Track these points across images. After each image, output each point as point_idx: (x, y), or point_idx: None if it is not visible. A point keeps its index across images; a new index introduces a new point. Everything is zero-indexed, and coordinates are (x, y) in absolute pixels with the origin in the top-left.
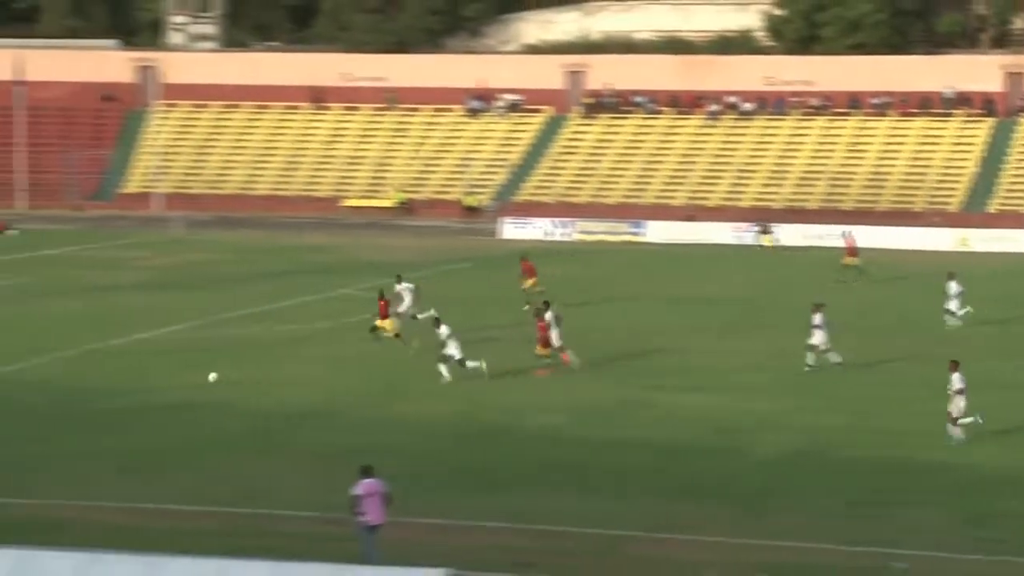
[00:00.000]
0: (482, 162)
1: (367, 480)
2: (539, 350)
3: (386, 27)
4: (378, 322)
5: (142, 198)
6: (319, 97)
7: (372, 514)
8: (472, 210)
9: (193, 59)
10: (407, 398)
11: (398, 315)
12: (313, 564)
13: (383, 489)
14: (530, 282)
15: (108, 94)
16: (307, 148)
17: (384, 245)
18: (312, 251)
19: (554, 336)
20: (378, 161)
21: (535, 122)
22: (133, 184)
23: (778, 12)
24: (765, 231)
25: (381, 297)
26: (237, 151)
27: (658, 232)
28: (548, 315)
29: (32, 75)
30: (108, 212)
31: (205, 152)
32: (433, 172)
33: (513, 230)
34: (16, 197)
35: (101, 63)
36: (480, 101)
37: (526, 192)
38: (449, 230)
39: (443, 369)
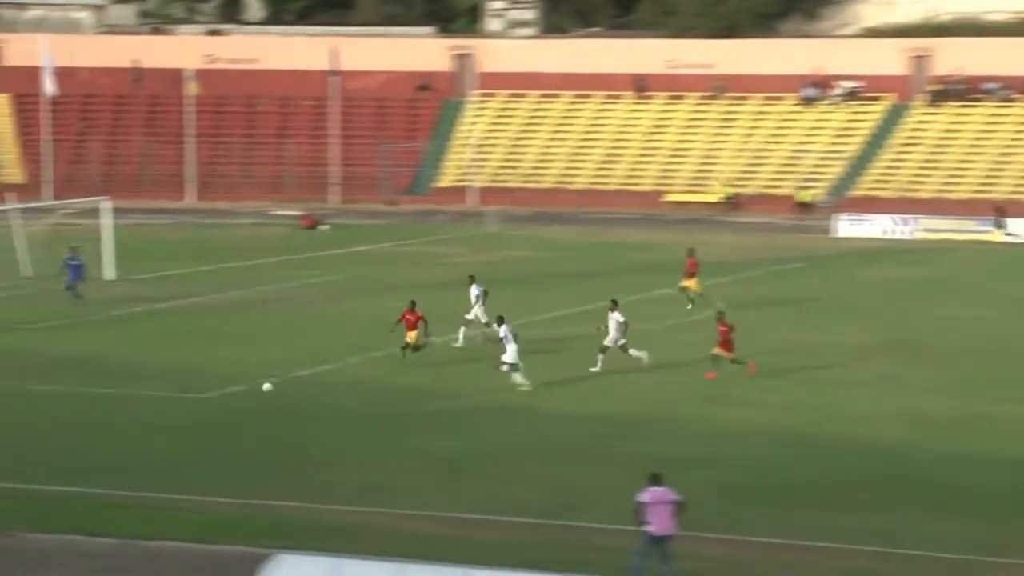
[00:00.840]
0: (816, 154)
1: (655, 488)
2: (717, 350)
3: (714, 10)
4: (408, 337)
5: (457, 192)
6: (642, 86)
7: (657, 524)
8: (805, 206)
9: (511, 47)
10: (728, 404)
11: (466, 321)
12: None
13: (672, 498)
14: (690, 282)
15: (424, 83)
16: (628, 140)
17: (708, 242)
18: (632, 249)
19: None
20: (703, 153)
21: (875, 111)
22: (448, 178)
23: None
24: None
25: (412, 308)
26: (555, 143)
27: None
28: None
29: (346, 64)
30: (422, 207)
31: (522, 144)
32: (762, 165)
33: (849, 227)
34: (329, 191)
35: (417, 51)
36: (815, 89)
37: (864, 187)
38: (779, 227)
39: (517, 377)
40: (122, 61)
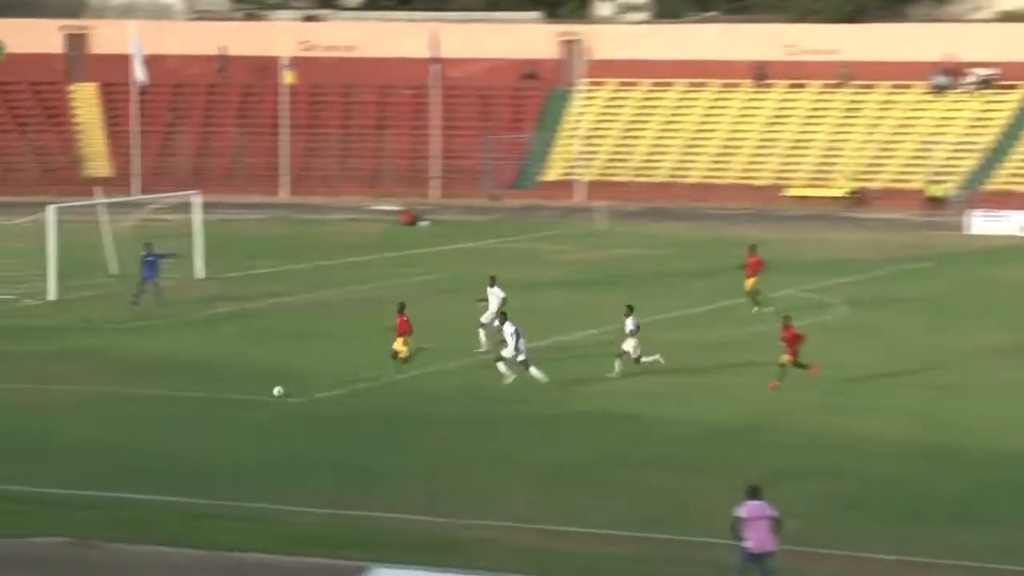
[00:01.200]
0: (948, 146)
1: (753, 502)
2: (784, 359)
3: None
4: (396, 345)
5: (564, 186)
6: (761, 73)
7: (756, 540)
8: (936, 201)
9: (622, 32)
10: (845, 413)
11: (481, 325)
12: None
13: (771, 514)
14: (750, 281)
15: (529, 71)
16: (746, 131)
17: (831, 240)
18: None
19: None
20: (827, 145)
21: (1011, 100)
22: (554, 171)
23: None
24: None
25: (401, 311)
26: (668, 134)
27: None
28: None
29: (448, 51)
30: (526, 202)
31: (632, 136)
32: (890, 157)
33: (983, 224)
34: (429, 185)
35: (522, 37)
36: (947, 76)
37: (999, 180)
38: (907, 223)
39: (502, 367)
40: (213, 48)
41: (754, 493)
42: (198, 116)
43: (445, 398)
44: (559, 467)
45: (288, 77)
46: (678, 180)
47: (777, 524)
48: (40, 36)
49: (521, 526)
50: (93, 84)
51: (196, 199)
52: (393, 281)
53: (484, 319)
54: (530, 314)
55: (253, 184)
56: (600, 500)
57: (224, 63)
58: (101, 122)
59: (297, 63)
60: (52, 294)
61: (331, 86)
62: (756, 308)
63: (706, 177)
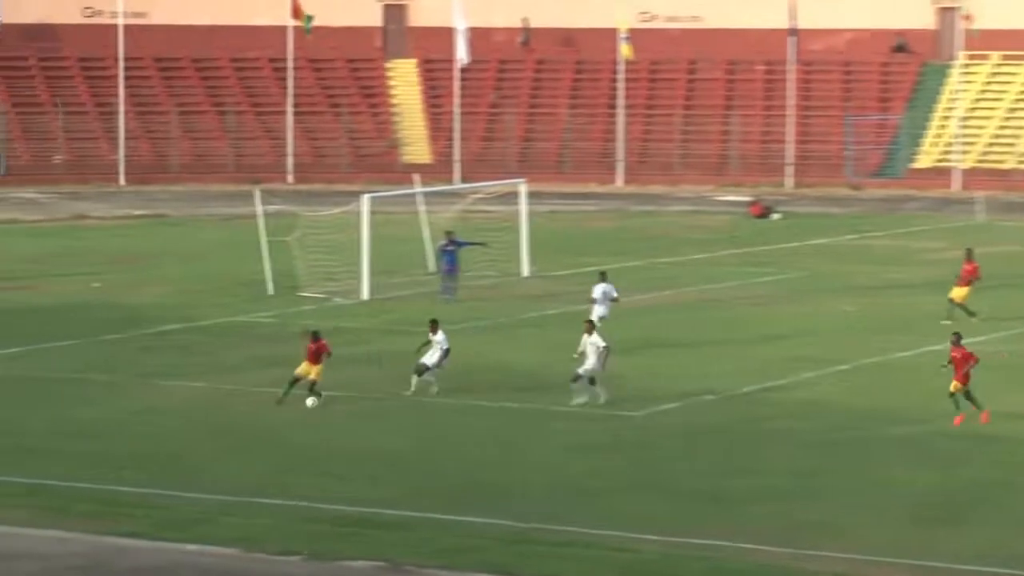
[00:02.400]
0: None
1: None
2: (956, 385)
3: None
4: (300, 369)
5: (938, 175)
6: None
7: None
8: None
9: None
10: None
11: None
12: None
13: None
14: (960, 291)
15: (900, 43)
16: None
17: None
18: None
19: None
20: None
21: None
22: (927, 157)
23: None
24: None
25: (314, 338)
26: None
27: None
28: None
29: (806, 21)
30: (893, 192)
31: (1018, 116)
32: None
33: None
34: (784, 173)
35: (892, 5)
36: None
37: None
38: None
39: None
40: (545, 20)
41: None
42: (524, 96)
43: (797, 413)
44: (929, 494)
45: (625, 51)
46: None
47: None
48: (357, 7)
49: (885, 560)
50: (412, 61)
51: (522, 188)
52: (739, 281)
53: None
54: (896, 320)
55: (583, 171)
56: (982, 533)
57: (527, 36)
58: (421, 104)
59: (635, 36)
60: (365, 293)
61: (672, 62)
62: (948, 321)
63: None
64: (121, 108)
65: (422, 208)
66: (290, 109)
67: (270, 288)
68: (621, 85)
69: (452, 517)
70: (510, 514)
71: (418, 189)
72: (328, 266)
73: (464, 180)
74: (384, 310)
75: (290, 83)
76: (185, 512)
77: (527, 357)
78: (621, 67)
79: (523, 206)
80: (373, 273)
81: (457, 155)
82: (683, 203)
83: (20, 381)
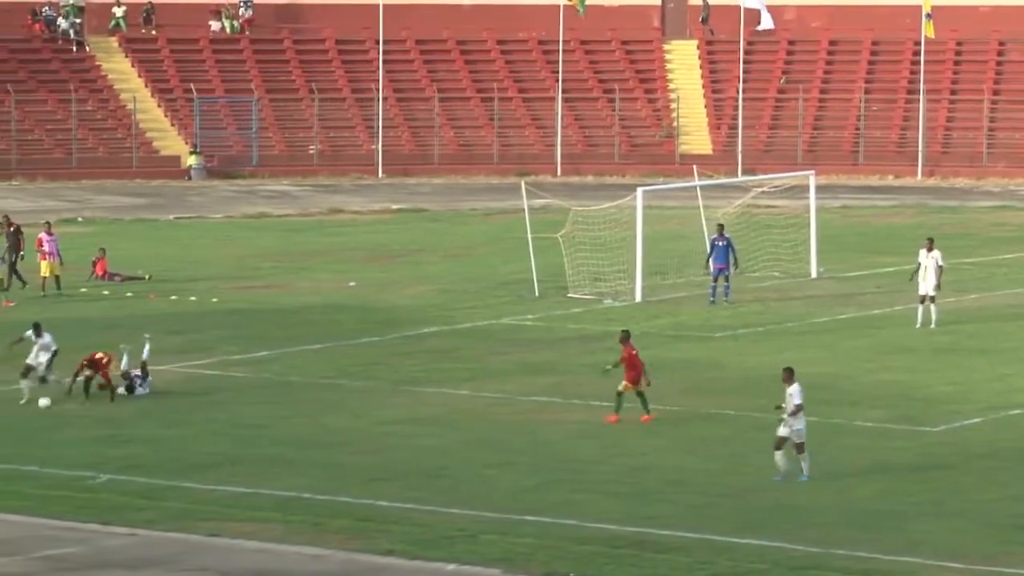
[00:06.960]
0: None
1: None
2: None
3: None
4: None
5: None
6: None
7: None
8: None
9: None
10: None
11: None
12: None
13: None
14: None
15: None
16: None
17: None
18: None
19: None
20: None
21: None
22: None
23: None
24: None
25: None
26: None
27: None
28: None
29: None
30: None
31: None
32: None
33: None
34: None
35: None
36: None
37: None
38: None
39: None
40: None
41: None
42: (816, 78)
43: None
44: None
45: (928, 30)
46: None
47: None
48: None
49: None
50: (693, 42)
51: (811, 180)
52: None
53: None
54: None
55: (878, 162)
56: None
57: (706, 15)
58: (701, 88)
59: (938, 13)
60: (638, 295)
61: (981, 41)
62: None
63: None
64: (380, 94)
65: (700, 203)
66: (560, 95)
67: (536, 289)
68: (922, 67)
69: (731, 539)
70: (796, 537)
71: (697, 182)
72: (597, 265)
73: (747, 172)
74: (657, 314)
75: (560, 67)
76: (444, 529)
77: (816, 364)
78: (922, 47)
79: (812, 200)
80: (646, 273)
81: (740, 145)
82: (990, 198)
83: (269, 387)
